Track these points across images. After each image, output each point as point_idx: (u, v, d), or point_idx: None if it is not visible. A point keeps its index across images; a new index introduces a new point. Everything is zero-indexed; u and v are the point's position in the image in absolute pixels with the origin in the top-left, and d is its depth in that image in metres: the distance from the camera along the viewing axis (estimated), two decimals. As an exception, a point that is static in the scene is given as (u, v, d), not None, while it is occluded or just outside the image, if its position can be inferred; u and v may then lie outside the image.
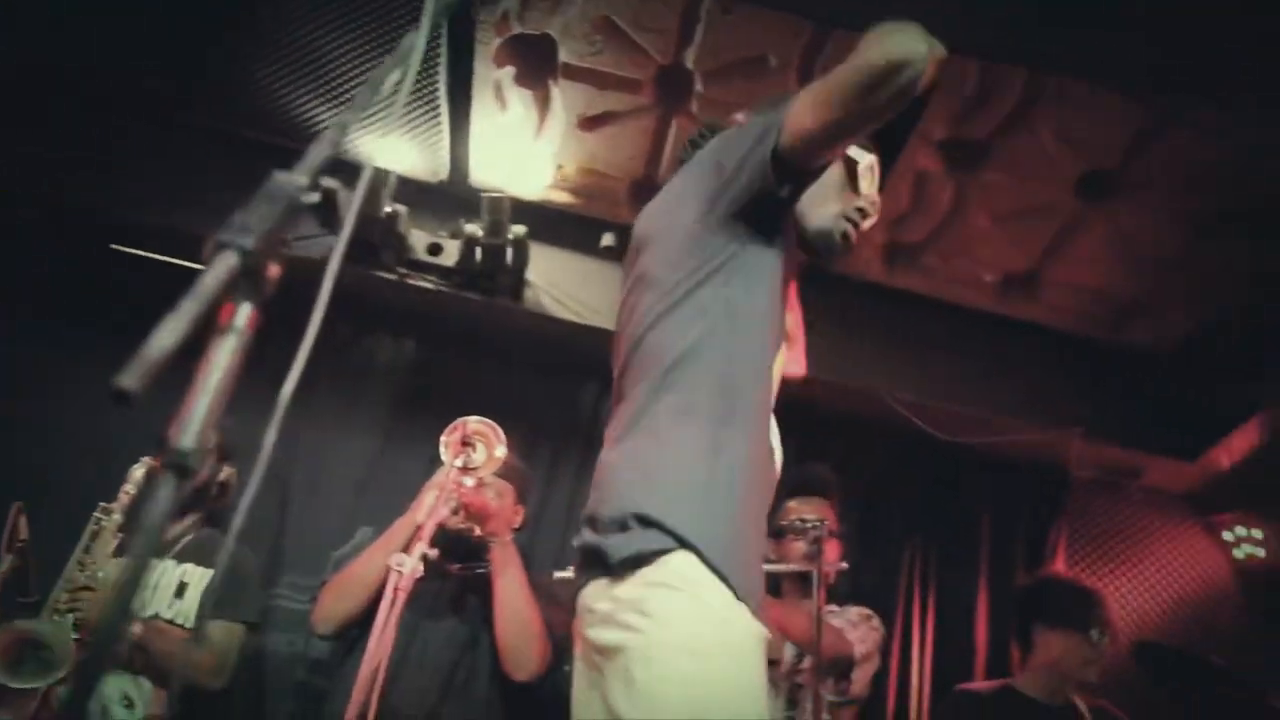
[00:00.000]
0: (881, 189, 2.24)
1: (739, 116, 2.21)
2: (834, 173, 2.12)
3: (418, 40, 1.29)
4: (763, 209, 1.90)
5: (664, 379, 1.80)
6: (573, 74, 3.92)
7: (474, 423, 3.10)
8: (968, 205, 4.15)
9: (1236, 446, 4.62)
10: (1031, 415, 4.62)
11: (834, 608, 3.76)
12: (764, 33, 3.60)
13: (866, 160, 2.15)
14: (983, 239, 4.28)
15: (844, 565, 3.64)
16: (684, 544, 1.63)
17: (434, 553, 2.95)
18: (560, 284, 4.63)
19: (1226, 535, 4.80)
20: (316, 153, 1.15)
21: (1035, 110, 3.70)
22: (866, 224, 2.19)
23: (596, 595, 1.71)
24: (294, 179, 1.10)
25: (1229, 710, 3.43)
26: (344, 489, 4.50)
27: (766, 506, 1.89)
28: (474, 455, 3.08)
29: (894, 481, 4.82)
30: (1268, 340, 4.28)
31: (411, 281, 4.49)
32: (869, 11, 3.20)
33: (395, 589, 2.80)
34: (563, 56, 3.87)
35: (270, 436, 1.02)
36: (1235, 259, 4.07)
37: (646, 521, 1.65)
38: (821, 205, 2.12)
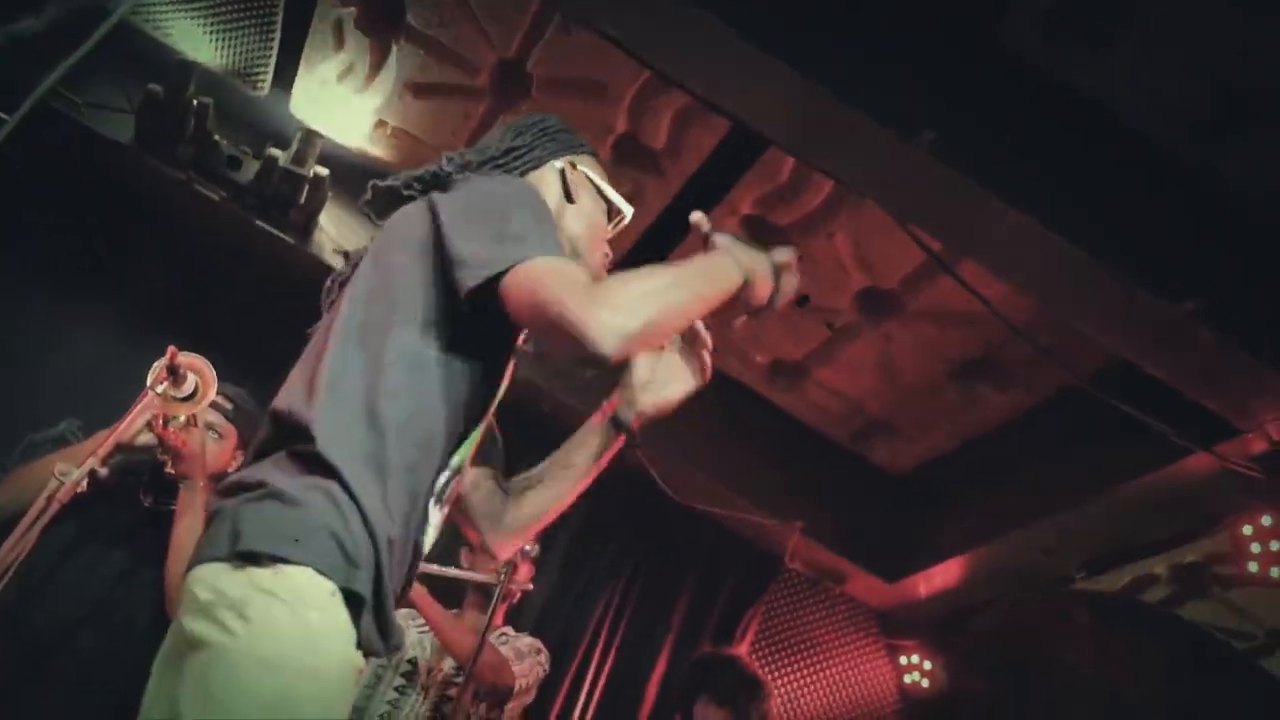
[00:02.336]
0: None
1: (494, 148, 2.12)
2: (599, 217, 2.09)
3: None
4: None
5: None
6: (414, 38, 3.84)
7: (187, 356, 2.94)
8: (756, 285, 4.23)
9: (936, 580, 4.86)
10: (761, 498, 4.75)
11: (509, 631, 3.76)
12: (607, 62, 3.60)
13: (629, 213, 2.14)
14: (763, 322, 4.37)
15: (530, 586, 3.65)
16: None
17: (104, 471, 2.80)
18: (349, 239, 4.50)
19: (902, 659, 5.04)
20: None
21: (835, 217, 3.82)
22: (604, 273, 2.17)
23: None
24: None
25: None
26: (60, 374, 4.25)
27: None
28: (180, 388, 2.92)
29: (613, 520, 4.86)
30: (987, 486, 4.53)
31: (198, 188, 4.29)
32: (711, 72, 3.29)
33: (50, 497, 2.64)
34: (410, 18, 3.78)
35: None
36: (980, 404, 4.30)
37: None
38: (594, 250, 2.09)
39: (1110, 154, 3.12)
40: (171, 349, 2.86)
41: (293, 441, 1.66)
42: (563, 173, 2.04)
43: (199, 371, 2.97)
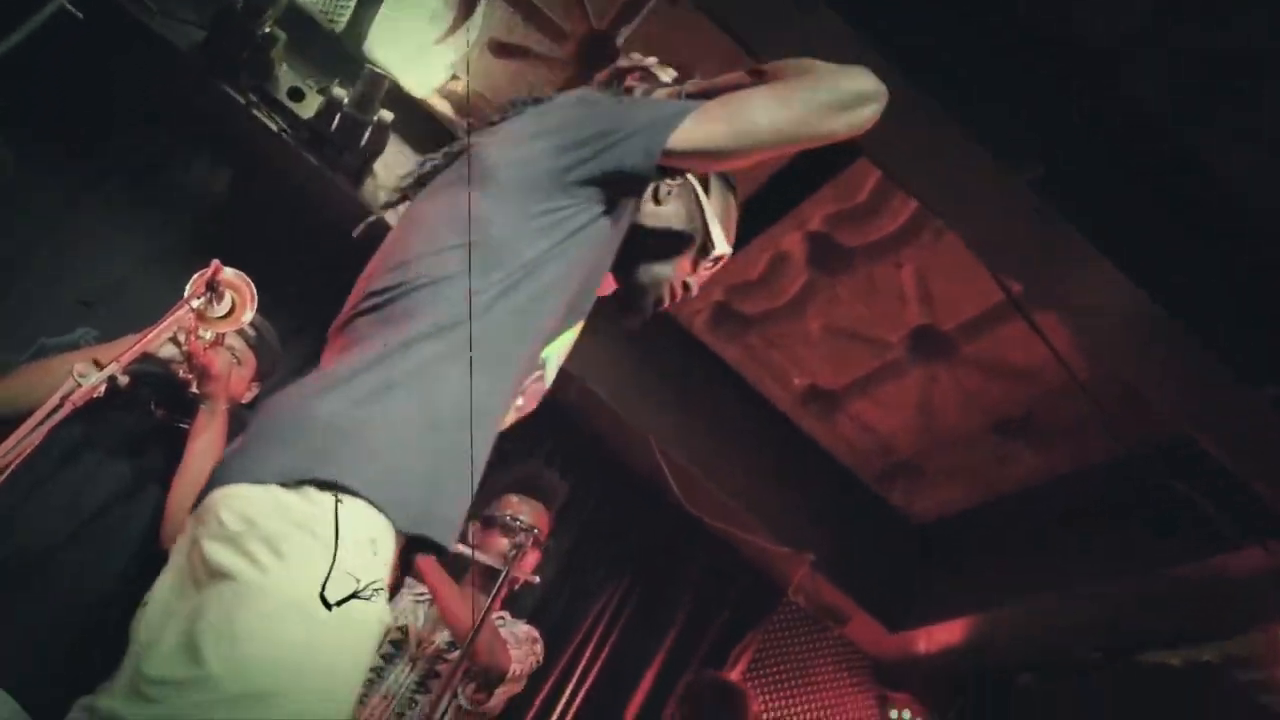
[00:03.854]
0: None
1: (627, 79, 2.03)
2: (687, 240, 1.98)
3: None
4: (622, 189, 1.76)
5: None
6: (505, -7, 3.72)
7: (231, 273, 2.81)
8: (810, 303, 4.13)
9: (938, 637, 4.71)
10: (775, 524, 4.62)
11: (505, 616, 3.62)
12: (699, 45, 3.47)
13: (725, 253, 2.01)
14: (807, 342, 4.26)
15: (535, 579, 3.53)
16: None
17: (125, 379, 2.65)
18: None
19: (892, 713, 4.89)
20: None
21: (909, 246, 3.70)
22: (670, 304, 2.06)
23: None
24: None
25: None
26: (84, 283, 4.11)
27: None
28: (217, 305, 2.79)
29: (626, 524, 4.74)
30: (1006, 549, 4.39)
31: (257, 115, 4.17)
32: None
33: (64, 397, 2.49)
34: (505, -30, 3.67)
35: None
36: (1012, 464, 4.16)
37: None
38: (659, 259, 1.96)
39: (1216, 222, 2.99)
40: (215, 262, 2.72)
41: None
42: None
43: (238, 290, 2.83)
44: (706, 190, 1.97)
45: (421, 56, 4.13)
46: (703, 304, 4.37)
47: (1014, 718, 4.57)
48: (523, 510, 3.55)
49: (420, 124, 4.32)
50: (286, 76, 4.16)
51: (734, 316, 4.38)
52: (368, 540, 1.42)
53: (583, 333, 1.89)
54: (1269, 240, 2.97)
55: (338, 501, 1.41)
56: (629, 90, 1.98)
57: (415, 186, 1.89)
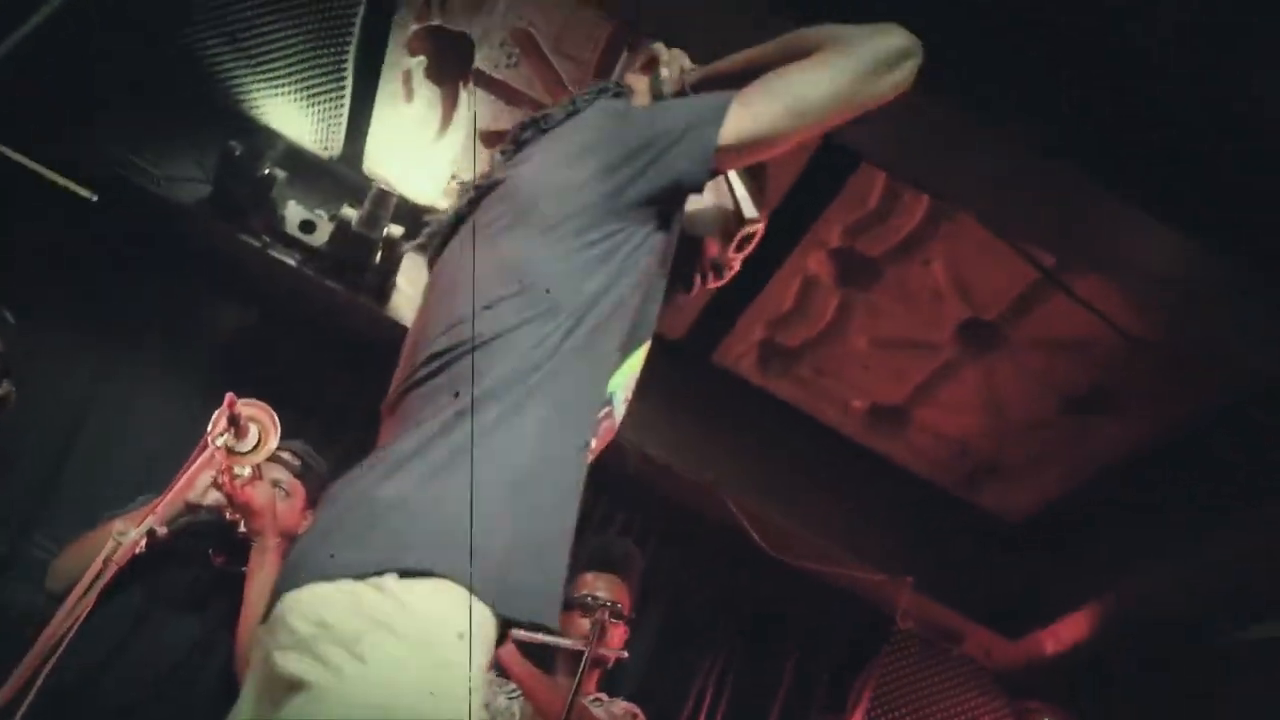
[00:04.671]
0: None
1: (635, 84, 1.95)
2: (713, 214, 1.90)
3: None
4: (677, 198, 1.69)
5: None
6: (484, 82, 3.75)
7: (247, 405, 2.82)
8: (850, 322, 4.02)
9: (1064, 635, 4.49)
10: (867, 553, 4.47)
11: (602, 697, 3.53)
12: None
13: (756, 227, 1.93)
14: (858, 361, 4.15)
15: (624, 654, 3.44)
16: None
17: (163, 530, 2.67)
18: (427, 297, 4.40)
19: (1033, 725, 4.66)
20: None
21: (932, 241, 3.59)
22: (712, 285, 1.99)
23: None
24: None
25: None
26: (141, 452, 4.16)
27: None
28: (242, 440, 2.80)
29: (713, 584, 4.63)
30: (1112, 528, 4.18)
31: (273, 254, 4.24)
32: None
33: (107, 559, 2.51)
34: (478, 62, 3.69)
35: None
36: (1096, 439, 3.98)
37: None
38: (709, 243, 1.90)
39: (1238, 147, 2.84)
40: (230, 396, 2.75)
41: None
42: None
43: (260, 420, 2.86)
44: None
45: (420, 163, 4.17)
46: (746, 346, 4.29)
47: (1154, 696, 4.31)
48: (599, 586, 3.48)
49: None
50: (295, 211, 4.25)
51: (779, 352, 4.29)
52: (455, 633, 1.29)
53: (632, 398, 1.80)
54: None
55: (416, 584, 1.29)
56: (630, 90, 1.91)
57: (447, 233, 1.79)
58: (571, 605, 3.44)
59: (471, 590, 1.31)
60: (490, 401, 1.45)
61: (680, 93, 1.85)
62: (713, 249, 1.91)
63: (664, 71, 1.88)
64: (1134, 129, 2.88)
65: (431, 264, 1.83)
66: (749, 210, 1.90)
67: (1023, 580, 4.55)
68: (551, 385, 1.49)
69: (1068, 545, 4.40)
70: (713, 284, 1.98)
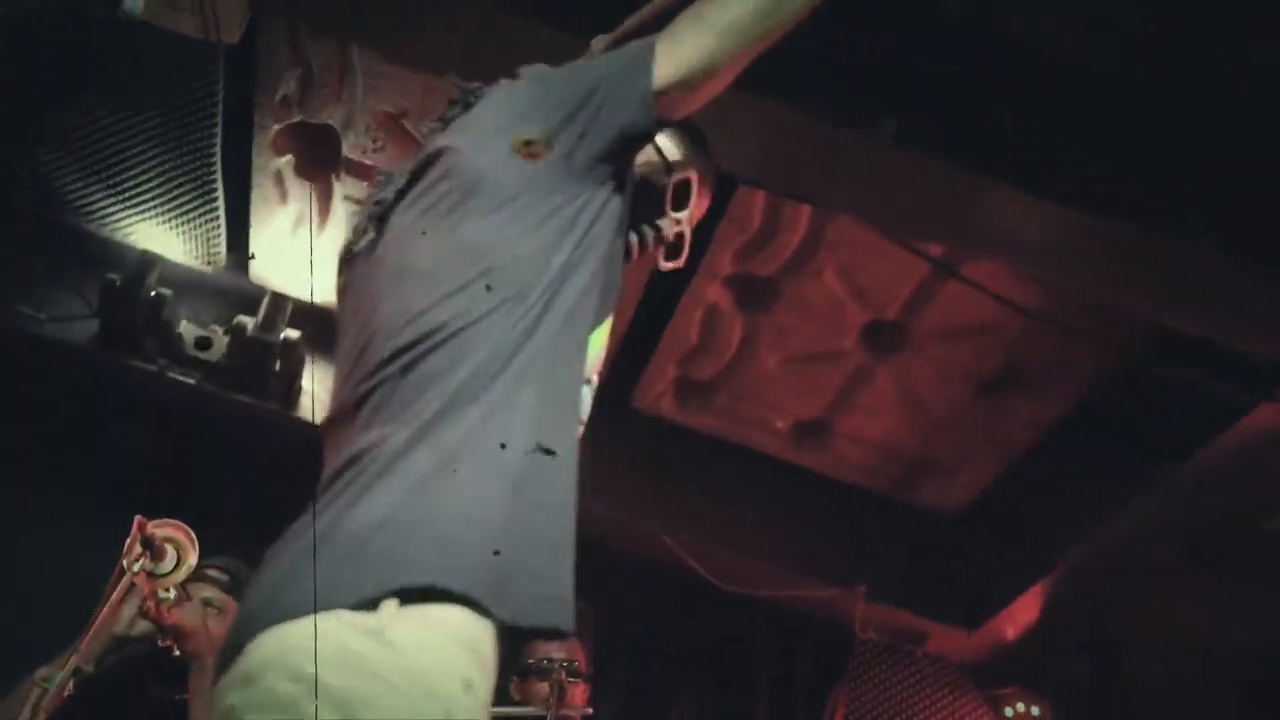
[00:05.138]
0: None
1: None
2: (642, 169, 1.71)
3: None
4: (626, 151, 1.58)
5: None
6: (355, 169, 3.75)
7: (159, 525, 2.75)
8: (757, 345, 4.06)
9: (1021, 616, 4.53)
10: (816, 570, 4.48)
11: (575, 759, 3.45)
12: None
13: (686, 173, 1.75)
14: (772, 382, 4.19)
15: (588, 711, 3.38)
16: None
17: (89, 668, 2.58)
18: (338, 394, 4.34)
19: (1008, 711, 4.66)
20: None
21: (820, 252, 3.65)
22: (664, 264, 1.80)
23: None
24: None
25: None
26: (62, 600, 4.02)
27: None
28: (161, 562, 2.72)
29: (672, 629, 4.60)
30: (1047, 503, 4.24)
31: (173, 375, 4.17)
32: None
33: (35, 709, 2.41)
34: (345, 150, 3.69)
35: None
36: (1015, 419, 4.05)
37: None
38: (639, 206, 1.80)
39: (1075, 103, 2.93)
40: (139, 519, 2.68)
41: None
42: None
43: (176, 539, 2.78)
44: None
45: (305, 264, 4.13)
46: (663, 385, 4.31)
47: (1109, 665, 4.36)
48: (551, 649, 3.42)
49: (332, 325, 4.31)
50: (189, 329, 4.20)
51: (694, 386, 4.32)
52: (461, 683, 1.15)
53: None
54: (1117, 94, 2.90)
55: (414, 620, 1.15)
56: None
57: (384, 214, 1.59)
58: (527, 672, 3.37)
59: (480, 607, 1.19)
60: (472, 397, 1.32)
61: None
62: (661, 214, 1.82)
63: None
64: (993, 109, 2.97)
65: (355, 258, 1.65)
66: (672, 152, 1.78)
67: (972, 571, 4.59)
68: (534, 372, 1.38)
69: (1008, 528, 4.46)
70: (664, 262, 1.81)
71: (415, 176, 1.56)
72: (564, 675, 3.20)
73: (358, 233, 1.64)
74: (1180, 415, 3.62)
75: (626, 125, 1.53)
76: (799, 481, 4.52)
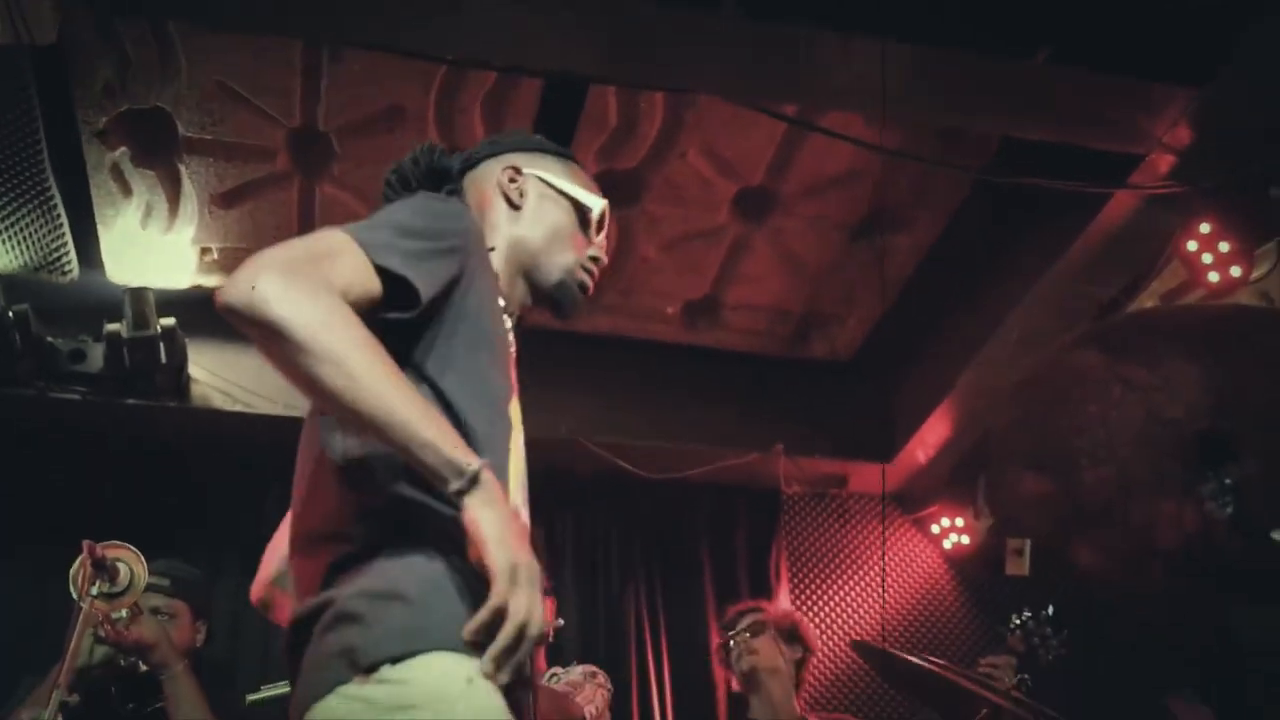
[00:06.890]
0: None
1: None
2: (562, 219, 1.90)
3: None
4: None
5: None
6: (196, 148, 3.64)
7: (108, 546, 2.74)
8: (634, 238, 4.12)
9: (930, 439, 4.73)
10: (733, 440, 4.63)
11: (558, 670, 3.58)
12: (392, 81, 3.44)
13: (600, 206, 1.95)
14: (655, 270, 4.27)
15: (559, 622, 3.50)
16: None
17: (74, 699, 2.56)
18: (228, 375, 4.27)
19: (934, 528, 4.91)
20: None
21: (680, 134, 3.70)
22: (598, 271, 1.99)
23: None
24: None
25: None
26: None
27: None
28: (114, 582, 2.71)
29: (608, 529, 4.73)
30: (935, 327, 4.45)
31: (55, 395, 4.03)
32: (495, 49, 3.15)
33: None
34: (181, 130, 3.57)
35: None
36: (891, 257, 4.21)
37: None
38: (555, 254, 1.91)
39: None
40: (87, 543, 2.66)
41: None
42: (499, 183, 1.87)
43: (124, 557, 2.77)
44: (547, 169, 1.91)
45: (162, 251, 4.01)
46: (549, 299, 4.33)
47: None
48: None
49: (207, 312, 4.19)
50: (60, 345, 4.04)
51: (582, 291, 4.36)
52: (463, 680, 1.32)
53: None
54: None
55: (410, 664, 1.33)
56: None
57: None
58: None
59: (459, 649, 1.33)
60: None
61: None
62: (580, 247, 1.92)
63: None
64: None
65: None
66: (592, 202, 1.92)
67: (876, 407, 4.80)
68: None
69: (903, 360, 4.66)
70: (598, 274, 1.97)
71: None
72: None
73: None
74: (1044, 218, 3.82)
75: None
76: (700, 360, 4.65)
